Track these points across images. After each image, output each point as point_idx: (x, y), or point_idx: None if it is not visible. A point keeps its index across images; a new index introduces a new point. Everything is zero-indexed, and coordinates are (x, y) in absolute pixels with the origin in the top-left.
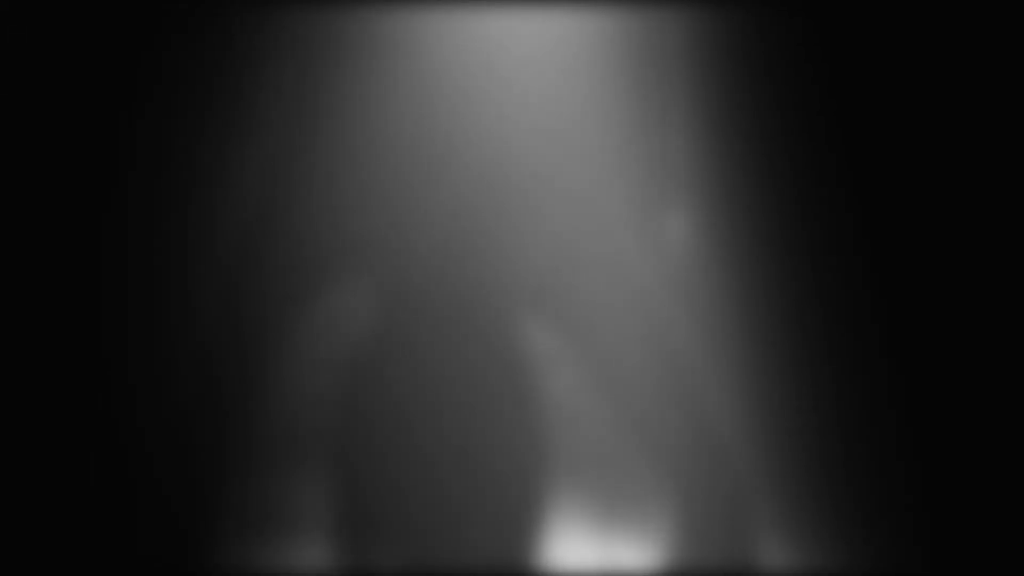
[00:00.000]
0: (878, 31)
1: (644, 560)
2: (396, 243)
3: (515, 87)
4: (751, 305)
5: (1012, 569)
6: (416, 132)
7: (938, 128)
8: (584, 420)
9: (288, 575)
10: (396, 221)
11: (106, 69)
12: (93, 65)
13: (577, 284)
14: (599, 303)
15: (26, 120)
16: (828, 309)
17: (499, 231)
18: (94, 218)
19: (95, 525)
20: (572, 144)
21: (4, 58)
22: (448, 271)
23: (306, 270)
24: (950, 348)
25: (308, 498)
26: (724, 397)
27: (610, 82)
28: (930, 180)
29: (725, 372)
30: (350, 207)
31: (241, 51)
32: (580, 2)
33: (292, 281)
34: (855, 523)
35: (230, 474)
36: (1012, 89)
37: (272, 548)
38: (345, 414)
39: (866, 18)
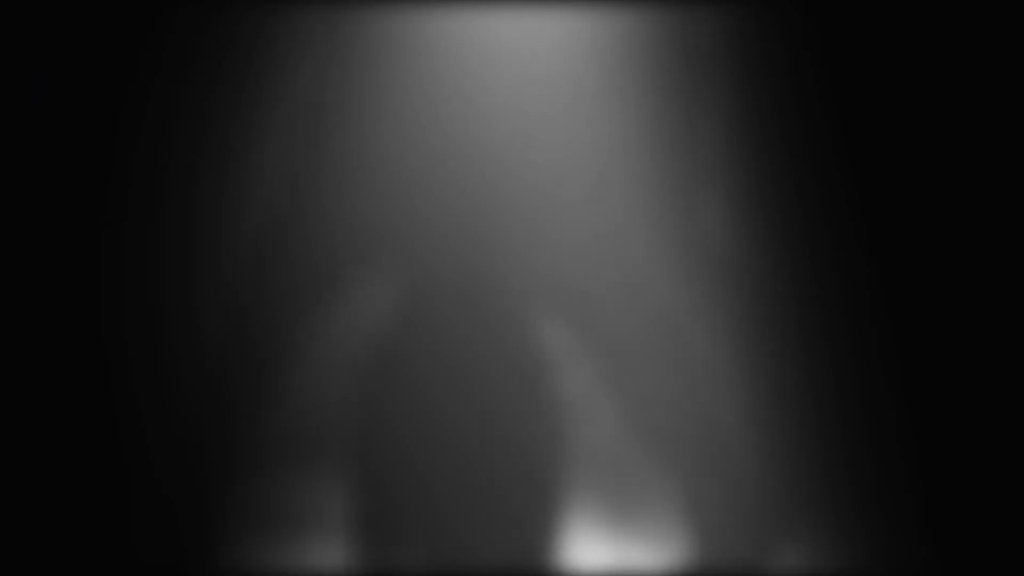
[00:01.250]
0: (880, 31)
1: (654, 560)
2: (412, 242)
3: (532, 85)
4: (764, 306)
5: (1012, 569)
6: (430, 130)
7: (940, 128)
8: (598, 420)
9: (302, 575)
10: (411, 220)
11: (106, 68)
12: (93, 64)
13: (593, 283)
14: (615, 302)
15: (26, 120)
16: (831, 309)
17: (516, 230)
18: (94, 218)
19: (102, 526)
20: (589, 143)
21: (4, 58)
22: (465, 271)
23: (319, 269)
24: (950, 348)
25: (322, 498)
26: (735, 398)
27: (627, 80)
28: (931, 180)
29: (736, 373)
30: (363, 206)
31: (243, 51)
32: (595, 1)
33: (304, 280)
34: (856, 523)
35: (240, 474)
36: (1012, 89)
37: (286, 548)
38: (359, 414)
39: (871, 18)
